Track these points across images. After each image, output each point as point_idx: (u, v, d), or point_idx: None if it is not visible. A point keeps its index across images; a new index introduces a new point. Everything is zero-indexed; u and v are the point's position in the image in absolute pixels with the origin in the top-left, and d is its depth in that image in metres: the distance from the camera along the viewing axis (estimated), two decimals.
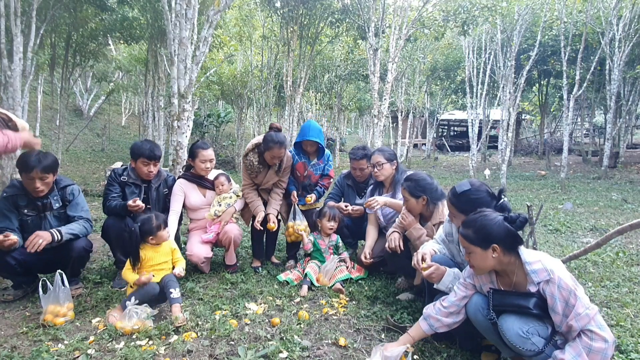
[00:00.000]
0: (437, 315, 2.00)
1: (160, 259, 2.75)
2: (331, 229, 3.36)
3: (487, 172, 10.64)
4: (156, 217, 2.77)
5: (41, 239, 2.55)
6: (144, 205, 3.02)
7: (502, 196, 2.12)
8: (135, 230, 2.68)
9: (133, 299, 2.47)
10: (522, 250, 1.79)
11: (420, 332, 2.04)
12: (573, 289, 1.63)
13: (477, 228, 1.81)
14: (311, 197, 3.57)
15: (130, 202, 2.97)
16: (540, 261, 1.73)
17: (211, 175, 3.59)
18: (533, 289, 1.73)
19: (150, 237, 2.72)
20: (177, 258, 2.85)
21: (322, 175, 3.67)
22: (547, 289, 1.67)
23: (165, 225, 2.83)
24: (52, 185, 2.86)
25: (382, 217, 3.30)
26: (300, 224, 3.41)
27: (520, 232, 1.84)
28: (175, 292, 2.56)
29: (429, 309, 2.06)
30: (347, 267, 3.26)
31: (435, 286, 2.13)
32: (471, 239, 1.82)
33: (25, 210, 2.78)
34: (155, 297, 2.60)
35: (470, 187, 2.15)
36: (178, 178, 3.49)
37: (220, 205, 3.39)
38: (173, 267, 2.80)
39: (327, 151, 3.63)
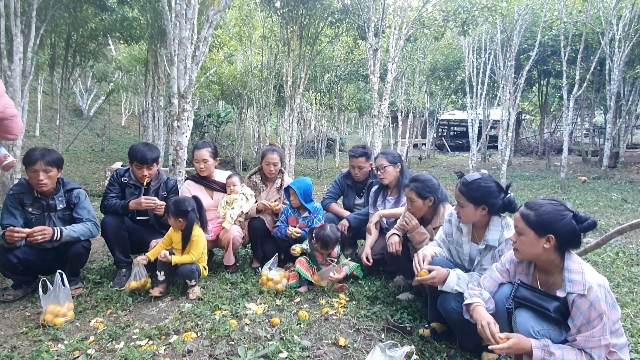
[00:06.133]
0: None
1: (178, 241, 2.98)
2: (326, 253, 3.20)
3: (484, 171, 10.63)
4: (181, 204, 2.98)
5: (43, 234, 2.60)
6: (157, 201, 3.07)
7: (509, 191, 2.14)
8: (168, 204, 3.02)
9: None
10: (571, 255, 1.74)
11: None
12: (603, 313, 1.58)
13: (542, 212, 1.72)
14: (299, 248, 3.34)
15: (142, 199, 3.04)
16: (582, 274, 1.66)
17: (220, 177, 3.60)
18: (561, 294, 1.69)
19: (167, 217, 3.00)
20: (194, 239, 3.01)
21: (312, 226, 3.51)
22: (577, 301, 1.63)
23: (177, 215, 2.96)
24: (58, 186, 2.88)
25: (384, 220, 3.31)
26: (275, 274, 3.06)
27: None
28: (190, 282, 2.93)
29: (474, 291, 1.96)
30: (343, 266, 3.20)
31: (440, 288, 2.12)
32: (530, 221, 1.74)
33: (30, 209, 2.81)
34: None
35: (480, 176, 2.19)
36: (186, 179, 3.50)
37: (233, 208, 3.36)
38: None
39: (317, 204, 3.57)
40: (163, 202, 3.10)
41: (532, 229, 1.73)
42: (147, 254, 3.01)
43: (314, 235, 3.21)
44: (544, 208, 1.73)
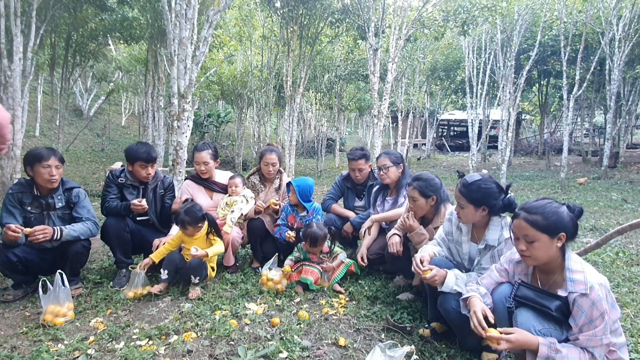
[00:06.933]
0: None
1: (194, 245, 2.96)
2: (320, 250, 3.18)
3: (484, 172, 10.65)
4: (195, 211, 2.98)
5: (44, 233, 2.61)
6: (146, 205, 3.05)
7: (509, 191, 2.14)
8: (179, 214, 2.97)
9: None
10: (571, 255, 1.74)
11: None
12: (605, 312, 1.58)
13: (548, 214, 1.69)
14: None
15: (135, 201, 3.01)
16: (583, 273, 1.66)
17: (220, 178, 3.59)
18: (563, 294, 1.69)
19: (183, 230, 3.00)
20: (215, 241, 3.07)
21: None
22: (579, 300, 1.62)
23: (195, 222, 2.97)
24: (58, 185, 2.89)
25: (384, 222, 3.31)
26: (275, 274, 3.06)
27: None
28: (194, 279, 2.90)
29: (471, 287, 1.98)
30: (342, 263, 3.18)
31: (439, 289, 2.12)
32: (540, 225, 1.69)
33: (29, 208, 2.82)
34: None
35: (481, 177, 2.18)
36: (185, 179, 3.50)
37: (232, 211, 3.35)
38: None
39: (316, 204, 3.54)
40: (146, 206, 3.07)
41: (545, 233, 1.70)
42: (151, 256, 3.00)
43: (301, 235, 3.19)
44: (547, 209, 1.72)
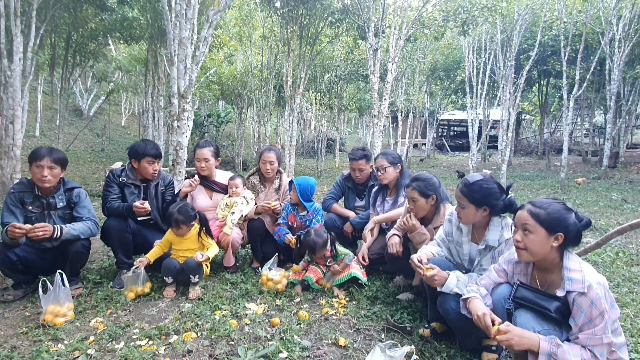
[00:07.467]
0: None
1: (184, 246, 3.03)
2: (324, 255, 3.14)
3: (486, 172, 10.64)
4: (188, 209, 2.99)
5: (44, 230, 2.60)
6: (149, 208, 3.06)
7: (509, 192, 2.14)
8: (171, 213, 2.96)
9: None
10: (570, 255, 1.75)
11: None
12: (605, 311, 1.59)
13: (552, 211, 1.71)
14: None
15: (137, 203, 3.01)
16: (581, 272, 1.66)
17: (221, 178, 3.59)
18: (561, 293, 1.69)
19: (175, 230, 2.99)
20: (209, 244, 3.08)
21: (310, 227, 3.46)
22: (577, 299, 1.63)
23: (189, 221, 2.97)
24: (59, 185, 2.89)
25: (384, 223, 3.32)
26: (275, 274, 3.07)
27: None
28: (194, 278, 2.93)
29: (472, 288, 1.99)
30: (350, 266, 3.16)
31: (439, 289, 2.12)
32: (542, 219, 1.71)
33: (30, 207, 2.82)
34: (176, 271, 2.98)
35: (482, 177, 2.18)
36: (185, 179, 3.51)
37: (233, 212, 3.35)
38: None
39: (316, 205, 3.53)
40: (148, 208, 3.07)
41: (544, 227, 1.71)
42: (146, 255, 3.01)
43: (301, 243, 3.17)
44: (553, 207, 1.73)
